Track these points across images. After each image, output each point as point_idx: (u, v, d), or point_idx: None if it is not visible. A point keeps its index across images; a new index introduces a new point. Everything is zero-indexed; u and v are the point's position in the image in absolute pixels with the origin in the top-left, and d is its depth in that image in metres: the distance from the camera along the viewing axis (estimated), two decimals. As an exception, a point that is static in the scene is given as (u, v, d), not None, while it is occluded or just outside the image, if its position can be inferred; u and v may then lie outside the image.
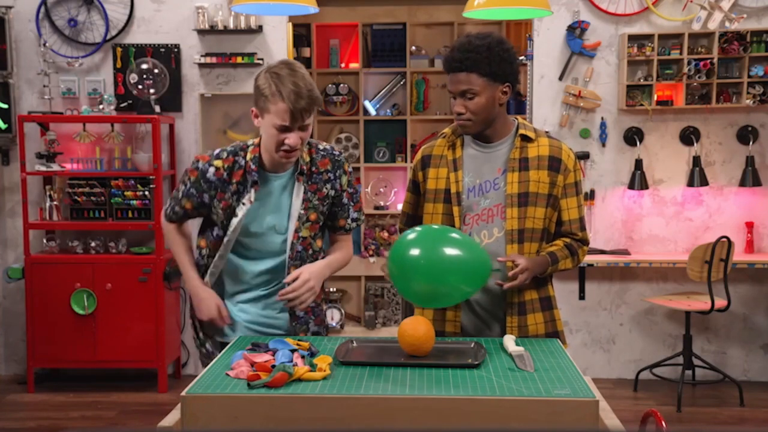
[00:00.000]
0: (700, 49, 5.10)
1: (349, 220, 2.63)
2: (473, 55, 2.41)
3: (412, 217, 2.63)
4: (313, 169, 2.54)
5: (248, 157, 2.50)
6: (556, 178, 2.50)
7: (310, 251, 2.57)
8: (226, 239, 2.52)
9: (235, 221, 2.49)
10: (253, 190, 2.48)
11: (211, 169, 2.50)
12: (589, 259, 5.07)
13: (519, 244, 2.47)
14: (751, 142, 5.20)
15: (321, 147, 2.59)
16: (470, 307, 2.53)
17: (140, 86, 5.10)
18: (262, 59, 5.23)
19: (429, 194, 2.56)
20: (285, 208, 2.53)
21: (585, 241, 2.58)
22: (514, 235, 2.47)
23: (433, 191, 2.55)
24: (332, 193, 2.57)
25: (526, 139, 2.51)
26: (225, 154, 2.52)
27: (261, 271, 2.57)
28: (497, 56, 2.43)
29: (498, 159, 2.51)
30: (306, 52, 6.21)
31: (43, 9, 5.26)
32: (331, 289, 5.94)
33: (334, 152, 2.59)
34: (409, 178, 2.67)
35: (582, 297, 5.29)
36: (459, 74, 2.43)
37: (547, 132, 5.11)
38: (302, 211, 2.52)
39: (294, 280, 2.44)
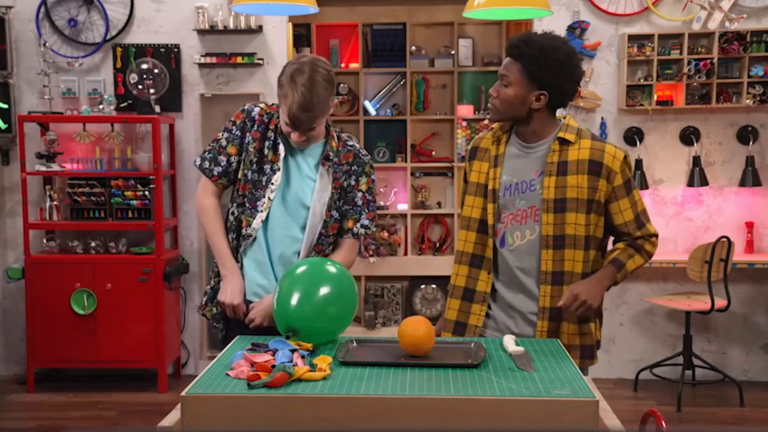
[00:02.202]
0: (700, 49, 5.10)
1: (358, 225, 2.65)
2: (524, 47, 2.42)
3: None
4: (335, 159, 2.61)
5: (280, 117, 2.63)
6: (597, 183, 2.42)
7: (321, 237, 2.63)
8: (269, 195, 2.57)
9: (278, 175, 2.56)
10: (281, 141, 2.59)
11: (256, 109, 2.64)
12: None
13: (555, 250, 2.42)
14: (751, 142, 5.20)
15: (350, 143, 2.67)
16: (502, 305, 2.52)
17: (140, 86, 5.10)
18: (262, 59, 5.23)
19: (471, 187, 2.56)
20: (310, 181, 2.60)
21: (649, 234, 2.50)
22: (550, 241, 2.42)
23: (475, 184, 2.55)
24: (344, 184, 2.62)
25: (564, 142, 2.45)
26: (270, 102, 2.69)
27: (280, 247, 2.61)
28: (544, 60, 2.39)
29: (536, 160, 2.47)
30: (306, 52, 6.21)
31: (43, 9, 5.26)
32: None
33: (361, 151, 2.68)
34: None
35: (582, 297, 5.29)
36: (510, 60, 2.44)
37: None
38: (323, 192, 2.58)
39: None
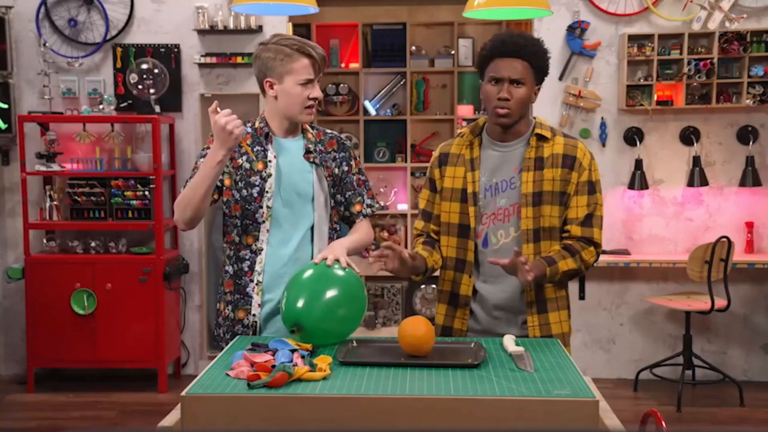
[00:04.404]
0: (700, 49, 5.10)
1: (365, 205, 2.70)
2: (532, 46, 2.45)
3: (429, 214, 2.64)
4: (321, 148, 2.64)
5: (256, 124, 2.64)
6: (570, 176, 2.47)
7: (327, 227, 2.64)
8: (266, 204, 2.55)
9: (270, 181, 2.56)
10: (270, 146, 2.59)
11: None
12: (589, 259, 5.07)
13: (535, 243, 2.47)
14: (751, 142, 5.20)
15: (328, 131, 2.73)
16: (486, 307, 2.54)
17: (140, 86, 5.10)
18: (262, 59, 5.23)
19: (445, 193, 2.57)
20: (307, 173, 2.60)
21: (589, 240, 2.48)
22: (530, 235, 2.47)
23: (450, 190, 2.56)
24: (337, 171, 2.65)
25: (541, 138, 2.50)
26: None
27: (292, 253, 2.58)
28: (543, 54, 2.48)
29: (515, 158, 2.51)
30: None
31: (43, 9, 5.26)
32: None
33: (340, 137, 2.73)
34: (426, 176, 2.68)
35: (582, 297, 5.29)
36: (514, 60, 2.44)
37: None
38: (322, 182, 2.59)
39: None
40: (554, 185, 2.46)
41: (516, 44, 2.44)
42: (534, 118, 2.59)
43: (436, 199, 2.61)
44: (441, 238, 2.59)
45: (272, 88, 2.56)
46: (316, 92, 2.55)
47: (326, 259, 2.35)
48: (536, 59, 2.45)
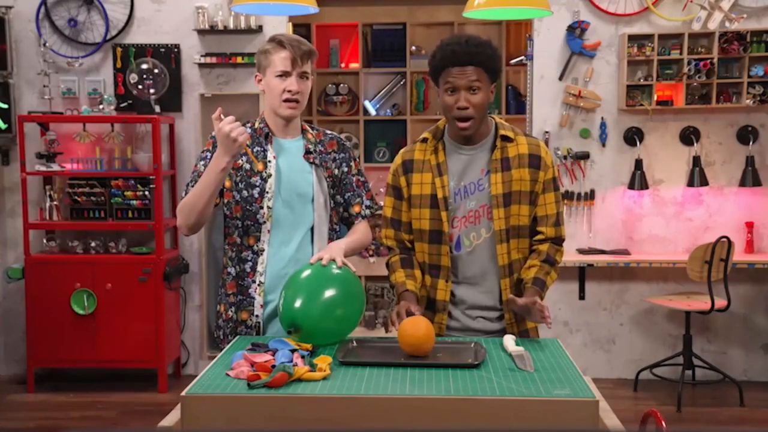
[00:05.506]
0: (700, 49, 5.10)
1: (363, 207, 2.70)
2: (482, 50, 2.44)
3: (398, 222, 2.62)
4: (321, 149, 2.65)
5: (256, 124, 2.64)
6: (537, 175, 2.52)
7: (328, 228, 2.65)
8: (267, 204, 2.55)
9: (270, 181, 2.56)
10: (270, 147, 2.59)
11: None
12: (589, 259, 5.08)
13: (508, 242, 2.51)
14: (751, 142, 5.20)
15: (328, 132, 2.74)
16: (461, 308, 2.56)
17: (140, 86, 5.10)
18: (262, 59, 5.23)
19: (414, 200, 2.56)
20: (306, 174, 2.61)
21: (560, 239, 2.57)
22: (503, 235, 2.50)
23: (419, 197, 2.55)
24: (336, 172, 2.66)
25: (506, 139, 2.53)
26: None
27: (292, 254, 2.58)
28: (497, 55, 2.49)
29: (480, 160, 2.53)
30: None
31: (43, 9, 5.26)
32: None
33: (341, 137, 2.75)
34: (388, 183, 2.65)
35: (582, 297, 5.29)
36: (467, 67, 2.43)
37: (540, 132, 5.15)
38: (321, 182, 2.60)
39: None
40: (522, 185, 2.50)
41: (466, 53, 2.43)
42: (492, 118, 2.59)
43: (402, 207, 2.60)
44: (415, 245, 2.59)
45: (260, 83, 2.61)
46: (292, 85, 2.53)
47: (322, 259, 2.35)
48: (488, 62, 2.44)
